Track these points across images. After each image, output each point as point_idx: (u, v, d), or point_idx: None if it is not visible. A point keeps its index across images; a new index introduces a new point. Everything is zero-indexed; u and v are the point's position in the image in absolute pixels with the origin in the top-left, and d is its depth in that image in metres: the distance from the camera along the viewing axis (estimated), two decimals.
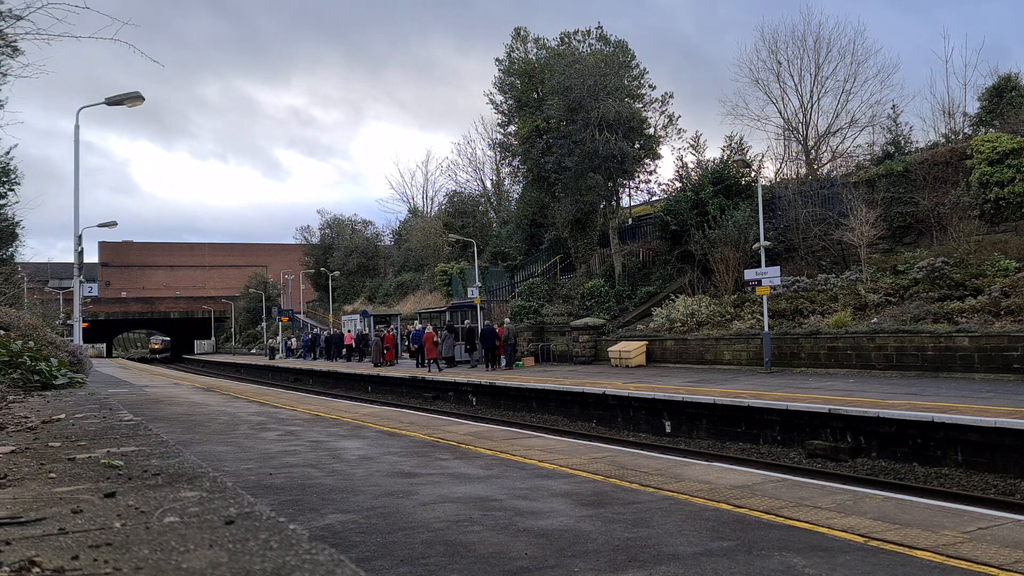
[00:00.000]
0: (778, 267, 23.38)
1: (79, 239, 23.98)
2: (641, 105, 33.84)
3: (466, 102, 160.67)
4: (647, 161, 34.08)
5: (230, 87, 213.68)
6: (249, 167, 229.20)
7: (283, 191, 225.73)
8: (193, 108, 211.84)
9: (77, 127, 22.40)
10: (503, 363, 28.49)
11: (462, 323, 33.69)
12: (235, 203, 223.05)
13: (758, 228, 23.92)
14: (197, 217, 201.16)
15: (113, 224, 31.74)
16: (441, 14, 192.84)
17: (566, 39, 37.55)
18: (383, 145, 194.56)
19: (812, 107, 31.92)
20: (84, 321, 29.93)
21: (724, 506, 6.54)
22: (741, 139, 32.49)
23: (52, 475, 2.69)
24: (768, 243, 23.92)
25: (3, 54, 8.62)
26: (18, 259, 32.48)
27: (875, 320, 21.01)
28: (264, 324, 69.83)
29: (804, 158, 31.99)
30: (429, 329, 31.15)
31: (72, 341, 19.21)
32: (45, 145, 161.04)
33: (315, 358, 48.35)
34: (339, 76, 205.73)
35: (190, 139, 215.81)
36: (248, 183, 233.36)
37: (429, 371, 28.97)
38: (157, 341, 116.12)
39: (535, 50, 38.50)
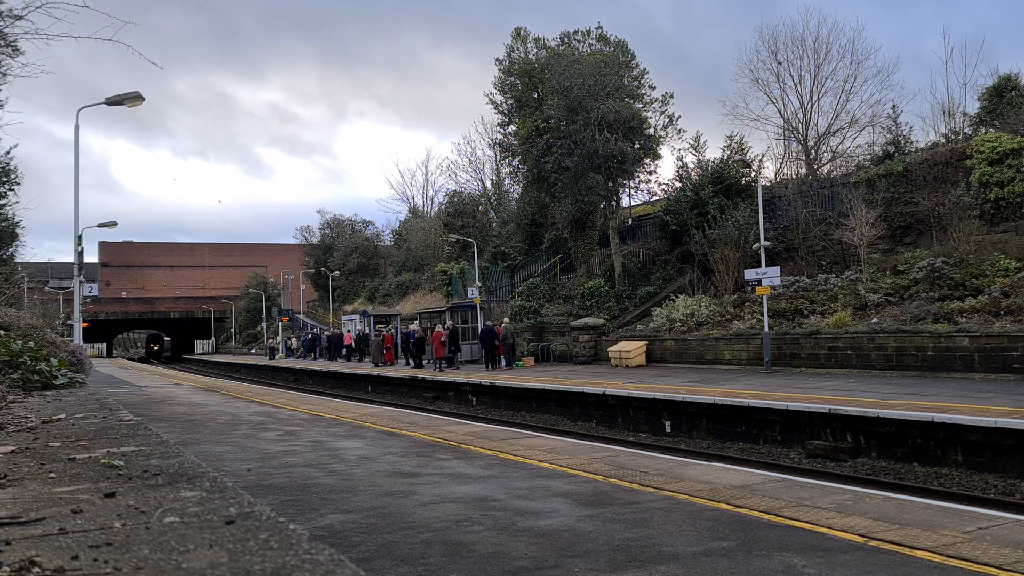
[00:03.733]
0: (778, 267, 23.37)
1: (79, 239, 23.97)
2: (641, 105, 33.85)
3: (447, 98, 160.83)
4: (647, 161, 34.09)
5: (205, 83, 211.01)
6: (231, 165, 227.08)
7: (267, 189, 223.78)
8: (169, 105, 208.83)
9: (77, 127, 22.38)
10: (503, 363, 28.47)
11: (444, 324, 32.83)
12: (220, 202, 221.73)
13: (758, 228, 23.91)
14: (183, 216, 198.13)
15: (113, 224, 31.73)
16: (416, 9, 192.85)
17: (566, 39, 37.58)
18: (365, 142, 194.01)
19: (812, 107, 31.94)
20: (84, 321, 29.91)
21: (724, 506, 6.54)
22: (741, 139, 32.56)
23: (52, 475, 2.69)
24: (768, 243, 23.91)
25: (3, 54, 8.62)
26: (18, 259, 32.46)
27: (875, 320, 21.01)
28: (264, 324, 69.83)
29: (804, 158, 31.99)
30: (438, 328, 30.92)
31: (72, 341, 19.19)
32: (20, 143, 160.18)
33: (315, 358, 48.37)
34: (316, 72, 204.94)
35: (168, 136, 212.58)
36: (231, 181, 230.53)
37: (436, 370, 28.90)
38: (154, 341, 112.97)
39: (535, 50, 38.52)
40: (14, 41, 8.39)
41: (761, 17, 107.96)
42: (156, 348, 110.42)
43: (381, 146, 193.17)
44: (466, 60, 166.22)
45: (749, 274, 23.30)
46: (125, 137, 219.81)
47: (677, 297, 27.82)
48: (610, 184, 33.11)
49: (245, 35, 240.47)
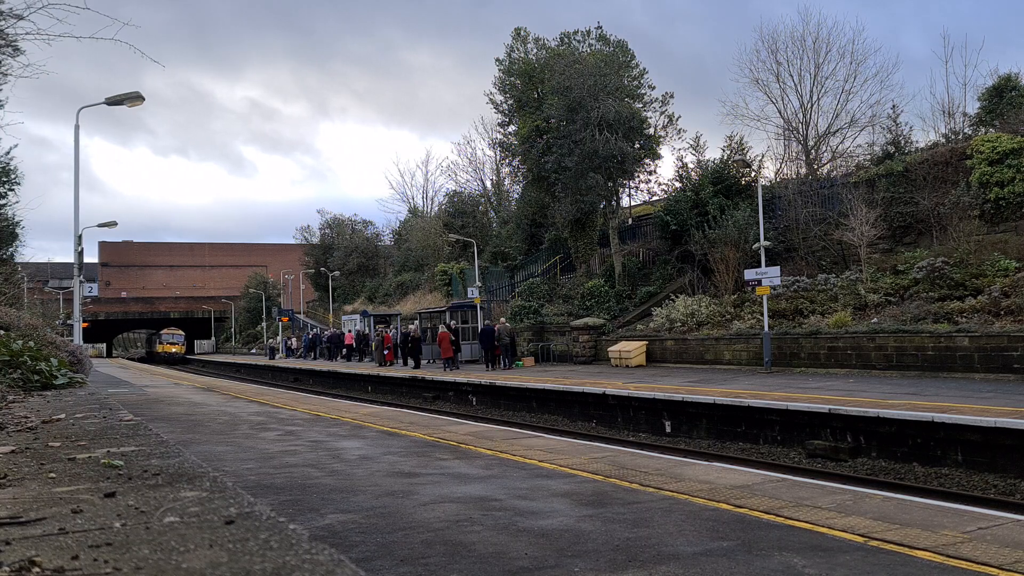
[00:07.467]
0: (778, 267, 23.38)
1: (79, 239, 23.96)
2: (641, 105, 33.87)
3: (427, 95, 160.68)
4: (647, 161, 34.13)
5: (181, 79, 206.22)
6: (213, 163, 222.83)
7: (251, 188, 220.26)
8: (146, 101, 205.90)
9: (77, 127, 22.36)
10: (503, 363, 28.46)
11: (448, 324, 32.64)
12: (204, 200, 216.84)
13: (758, 228, 23.92)
14: (169, 215, 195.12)
15: (113, 224, 31.70)
16: (388, 2, 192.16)
17: (566, 39, 37.63)
18: (348, 140, 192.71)
19: (812, 107, 31.89)
20: (84, 321, 29.92)
21: (724, 506, 6.54)
22: (741, 139, 32.58)
23: (52, 475, 2.69)
24: (768, 243, 23.91)
25: (3, 54, 8.63)
26: (18, 259, 32.47)
27: (875, 320, 21.01)
28: (264, 324, 69.85)
29: (804, 158, 31.95)
30: (443, 329, 30.86)
31: (72, 341, 19.20)
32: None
33: (315, 358, 48.38)
34: (291, 67, 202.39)
35: (147, 134, 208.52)
36: (215, 180, 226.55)
37: (445, 370, 28.81)
38: (174, 338, 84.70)
39: (535, 50, 38.55)
40: (15, 41, 8.40)
41: (761, 17, 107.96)
42: (174, 350, 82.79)
43: (364, 143, 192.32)
44: (442, 57, 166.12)
45: (749, 274, 23.30)
46: (102, 135, 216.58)
47: (677, 297, 27.82)
48: (610, 184, 33.11)
49: (218, 29, 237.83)
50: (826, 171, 31.11)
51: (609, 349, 27.34)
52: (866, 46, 41.35)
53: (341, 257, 66.50)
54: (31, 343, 7.83)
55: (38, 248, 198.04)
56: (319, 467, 8.52)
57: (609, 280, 32.55)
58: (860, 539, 5.47)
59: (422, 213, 64.55)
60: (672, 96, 35.11)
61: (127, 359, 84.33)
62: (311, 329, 58.31)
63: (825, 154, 31.99)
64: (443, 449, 10.07)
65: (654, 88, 35.04)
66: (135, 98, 20.27)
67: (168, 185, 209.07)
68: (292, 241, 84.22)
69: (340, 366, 39.11)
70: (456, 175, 76.23)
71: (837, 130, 31.61)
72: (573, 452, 9.80)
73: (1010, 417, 11.59)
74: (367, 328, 43.86)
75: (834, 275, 24.63)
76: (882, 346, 19.78)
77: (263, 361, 53.77)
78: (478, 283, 35.11)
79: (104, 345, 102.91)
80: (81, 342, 24.91)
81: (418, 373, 29.54)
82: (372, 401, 24.67)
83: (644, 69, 35.05)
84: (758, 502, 6.68)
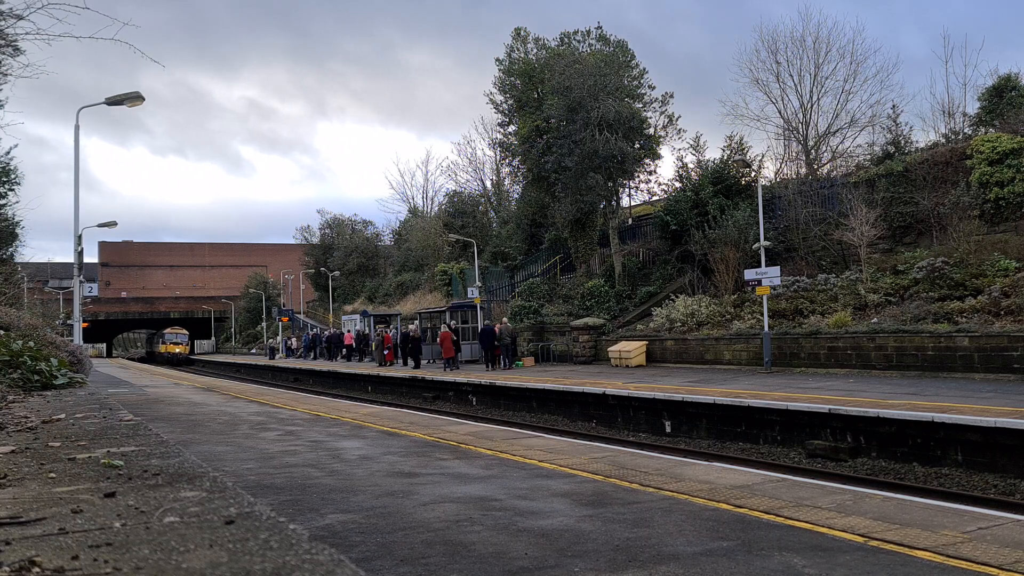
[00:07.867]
0: (778, 267, 23.38)
1: (79, 239, 23.96)
2: (641, 105, 33.88)
3: (425, 95, 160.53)
4: (647, 161, 34.15)
5: (178, 79, 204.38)
6: (211, 163, 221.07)
7: (250, 188, 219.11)
8: (145, 101, 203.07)
9: (77, 127, 22.35)
10: (503, 363, 28.45)
11: (448, 324, 32.71)
12: (203, 200, 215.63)
13: (758, 228, 23.92)
14: (167, 214, 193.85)
15: (113, 224, 31.70)
16: (385, 2, 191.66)
17: (566, 39, 37.64)
18: (346, 139, 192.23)
19: (812, 107, 31.88)
20: (84, 321, 29.92)
21: (724, 506, 6.54)
22: (741, 139, 32.58)
23: (52, 475, 2.69)
24: (768, 243, 23.91)
25: (3, 54, 8.63)
26: (18, 259, 32.48)
27: (875, 320, 21.01)
28: (264, 324, 69.85)
29: (804, 158, 31.95)
30: (444, 329, 30.83)
31: (72, 341, 19.19)
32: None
33: (315, 358, 48.38)
34: (288, 67, 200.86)
35: (145, 134, 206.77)
36: (213, 180, 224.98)
37: (445, 370, 28.79)
38: (177, 340, 79.16)
39: (535, 50, 38.56)
40: (15, 41, 8.40)
41: (760, 17, 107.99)
42: (177, 350, 76.35)
43: (363, 143, 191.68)
44: (440, 57, 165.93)
45: (749, 274, 23.30)
46: (100, 135, 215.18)
47: (677, 297, 27.82)
48: (610, 184, 33.11)
49: (216, 28, 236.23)
50: (826, 171, 31.11)
51: (609, 349, 27.34)
52: (866, 46, 41.57)
53: (341, 257, 66.50)
54: (31, 343, 7.83)
55: (38, 248, 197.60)
56: (319, 467, 8.52)
57: (609, 280, 32.55)
58: (860, 539, 5.47)
59: (422, 213, 64.55)
60: (672, 96, 35.15)
61: (127, 359, 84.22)
62: (311, 329, 58.31)
63: (825, 154, 31.99)
64: (443, 449, 10.07)
65: (654, 88, 35.09)
66: (135, 98, 20.25)
67: (167, 185, 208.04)
68: (292, 241, 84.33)
69: (340, 366, 39.11)
70: (456, 175, 76.25)
71: (837, 130, 31.62)
72: (573, 452, 9.80)
73: (1010, 417, 11.59)
74: (367, 328, 43.86)
75: (834, 275, 24.63)
76: (882, 346, 19.78)
77: (263, 361, 53.78)
78: (478, 283, 35.11)
79: (104, 345, 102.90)
80: (81, 342, 24.91)
81: (418, 373, 29.53)
82: (372, 401, 24.67)
83: (644, 69, 35.09)
84: (758, 502, 6.68)
